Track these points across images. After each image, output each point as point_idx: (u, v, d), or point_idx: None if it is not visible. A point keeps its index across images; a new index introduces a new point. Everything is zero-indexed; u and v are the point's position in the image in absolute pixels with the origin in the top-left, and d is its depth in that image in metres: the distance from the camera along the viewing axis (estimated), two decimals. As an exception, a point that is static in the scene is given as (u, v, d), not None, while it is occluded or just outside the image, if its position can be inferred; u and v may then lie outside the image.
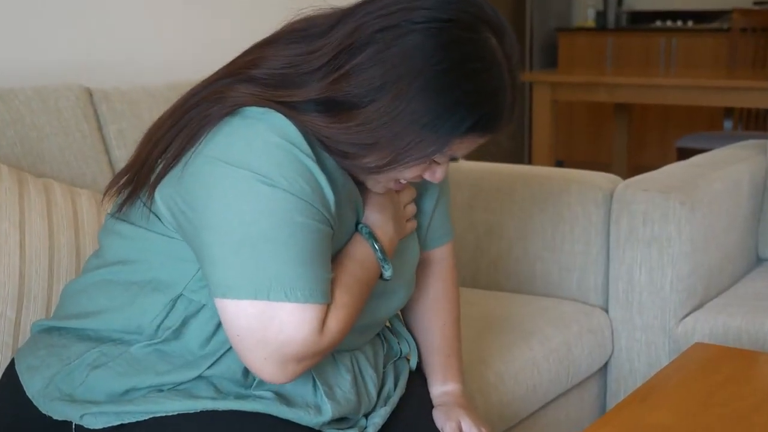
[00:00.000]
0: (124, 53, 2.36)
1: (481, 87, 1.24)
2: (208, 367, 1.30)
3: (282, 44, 1.28)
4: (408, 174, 1.31)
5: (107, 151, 2.00)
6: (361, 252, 1.35)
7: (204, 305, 1.29)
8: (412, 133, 1.23)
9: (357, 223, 1.38)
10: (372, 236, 1.36)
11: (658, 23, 6.69)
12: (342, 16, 1.26)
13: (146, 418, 1.28)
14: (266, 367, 1.21)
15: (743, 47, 5.17)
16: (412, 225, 1.47)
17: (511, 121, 1.31)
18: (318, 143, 1.26)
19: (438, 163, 1.32)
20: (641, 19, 6.82)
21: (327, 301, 1.23)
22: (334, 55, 1.23)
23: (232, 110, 1.23)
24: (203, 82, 1.31)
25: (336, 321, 1.24)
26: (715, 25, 6.36)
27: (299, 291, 1.19)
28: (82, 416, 1.30)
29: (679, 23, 6.60)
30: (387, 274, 1.37)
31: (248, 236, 1.19)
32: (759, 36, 5.14)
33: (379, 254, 1.36)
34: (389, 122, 1.22)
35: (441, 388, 1.53)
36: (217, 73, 1.31)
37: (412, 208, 1.47)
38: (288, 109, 1.23)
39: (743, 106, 4.71)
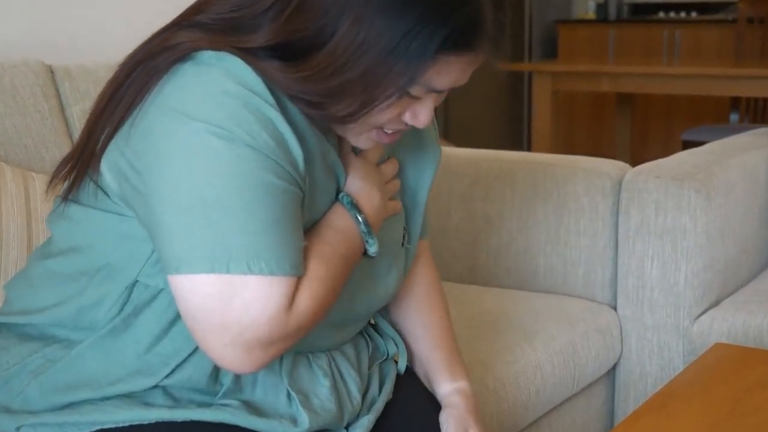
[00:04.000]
0: (88, 29, 2.33)
1: None
2: (167, 376, 1.20)
3: None
4: (386, 117, 1.19)
5: (69, 134, 1.96)
6: (342, 222, 1.24)
7: (162, 290, 1.19)
8: (379, 64, 1.12)
9: (338, 193, 1.28)
10: (355, 207, 1.25)
11: (661, 14, 6.78)
12: None
13: (93, 430, 1.20)
14: (228, 354, 1.11)
15: (750, 38, 5.20)
16: (395, 204, 1.38)
17: (497, 40, 1.19)
18: (282, 92, 1.15)
19: (418, 99, 1.20)
20: (643, 11, 6.90)
21: (297, 273, 1.12)
22: None
23: (183, 56, 1.13)
24: (146, 40, 1.21)
25: (308, 296, 1.13)
26: (719, 16, 6.43)
27: (263, 261, 1.09)
28: (18, 428, 1.22)
29: (683, 14, 6.69)
30: (372, 249, 1.27)
31: (202, 199, 1.09)
32: (766, 27, 5.18)
33: (363, 226, 1.25)
34: (353, 56, 1.12)
35: (452, 385, 1.45)
36: (162, 27, 1.22)
37: (394, 185, 1.38)
38: (245, 54, 1.13)
39: (750, 95, 4.75)
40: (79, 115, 1.95)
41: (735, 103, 5.05)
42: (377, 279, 1.35)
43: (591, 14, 6.93)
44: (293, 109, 1.17)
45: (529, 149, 5.50)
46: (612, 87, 4.61)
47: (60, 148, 1.88)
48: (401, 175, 1.42)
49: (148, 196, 1.12)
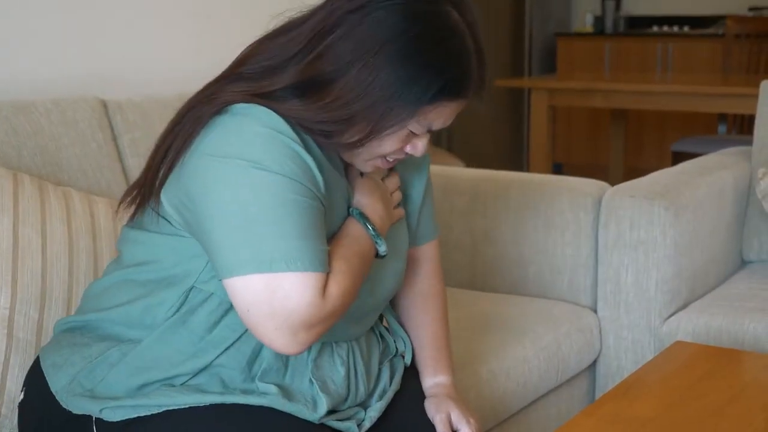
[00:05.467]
0: (136, 66, 2.43)
1: (445, 52, 1.33)
2: (215, 358, 1.38)
3: (266, 40, 1.39)
4: (389, 146, 1.38)
5: (121, 160, 2.06)
6: (354, 230, 1.42)
7: (212, 294, 1.37)
8: (383, 102, 1.31)
9: (348, 208, 1.45)
10: (363, 216, 1.43)
11: (655, 28, 6.71)
12: (315, 9, 1.37)
13: (160, 411, 1.36)
14: (278, 337, 1.27)
15: (737, 53, 5.20)
16: (399, 212, 1.55)
17: (481, 88, 1.38)
18: (302, 130, 1.33)
19: (417, 135, 1.39)
20: (638, 24, 6.83)
21: (325, 269, 1.29)
22: (309, 39, 1.33)
23: (221, 108, 1.32)
24: (202, 88, 1.41)
25: (336, 287, 1.31)
26: (710, 30, 6.38)
27: (299, 261, 1.26)
28: (101, 410, 1.38)
29: (676, 28, 6.62)
30: (381, 249, 1.44)
31: (246, 218, 1.27)
32: (752, 42, 5.19)
33: (371, 231, 1.43)
34: (361, 93, 1.31)
35: (432, 380, 1.60)
36: (215, 77, 1.42)
37: (398, 196, 1.55)
38: (270, 100, 1.32)
39: (736, 112, 4.73)
40: (129, 143, 2.06)
41: (723, 115, 5.03)
42: (383, 276, 1.50)
43: (589, 27, 6.85)
44: (313, 144, 1.35)
45: (528, 158, 5.45)
46: (605, 103, 4.61)
47: (113, 172, 2.00)
48: (403, 187, 1.59)
49: (202, 220, 1.31)
